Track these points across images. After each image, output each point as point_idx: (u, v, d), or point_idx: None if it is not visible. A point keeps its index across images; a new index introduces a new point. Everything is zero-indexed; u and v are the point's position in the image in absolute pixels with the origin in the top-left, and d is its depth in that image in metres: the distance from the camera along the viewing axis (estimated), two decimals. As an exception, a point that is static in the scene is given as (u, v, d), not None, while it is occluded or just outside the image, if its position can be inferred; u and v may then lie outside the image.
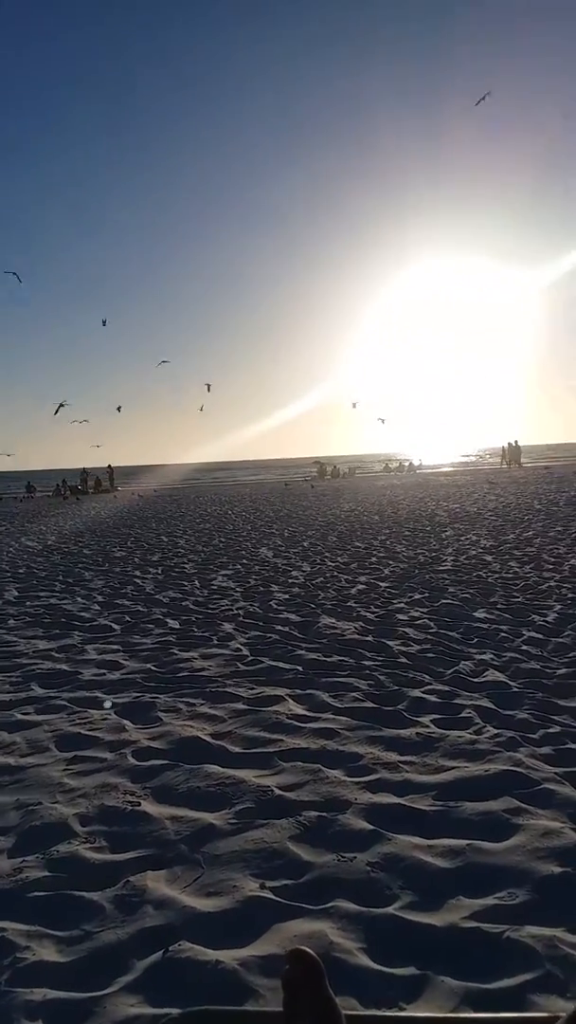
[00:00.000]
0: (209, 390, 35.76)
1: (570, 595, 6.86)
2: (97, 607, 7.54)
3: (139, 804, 3.09)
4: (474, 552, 9.93)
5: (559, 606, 6.43)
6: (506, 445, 40.01)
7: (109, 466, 41.54)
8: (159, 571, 9.89)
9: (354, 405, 37.73)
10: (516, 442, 39.57)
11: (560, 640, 5.34)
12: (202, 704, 4.36)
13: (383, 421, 38.53)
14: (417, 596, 7.22)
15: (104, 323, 32.90)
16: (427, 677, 4.63)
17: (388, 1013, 0.74)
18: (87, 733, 3.96)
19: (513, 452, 39.29)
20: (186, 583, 8.80)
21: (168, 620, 6.73)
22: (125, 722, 4.11)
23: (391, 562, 9.51)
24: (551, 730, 3.66)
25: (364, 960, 2.09)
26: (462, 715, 3.94)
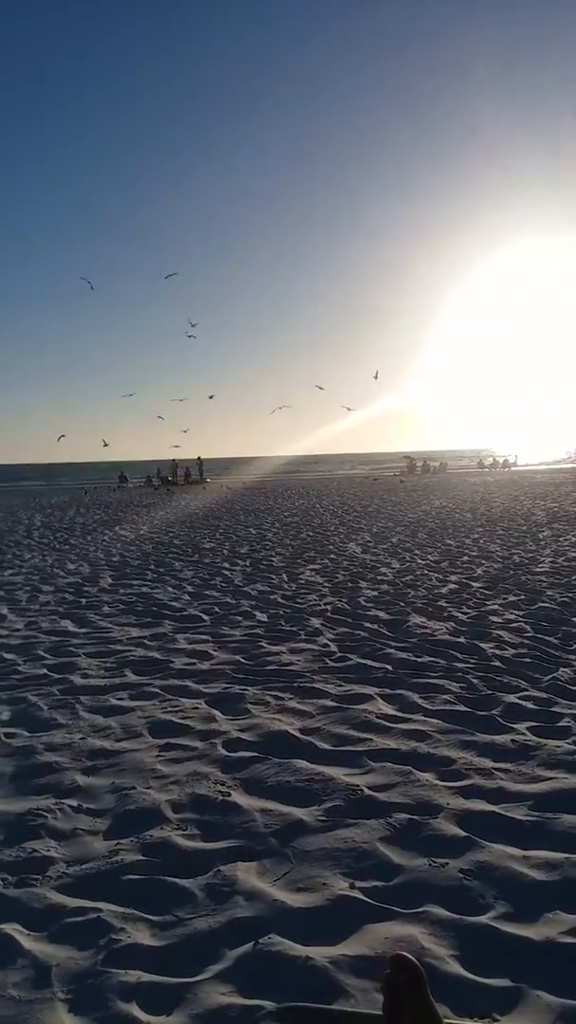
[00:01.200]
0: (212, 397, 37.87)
1: None
2: (187, 597, 7.68)
3: (229, 795, 3.12)
4: (574, 554, 9.58)
5: None
6: None
7: (199, 458, 42.24)
8: (247, 563, 9.99)
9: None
10: None
11: None
12: (290, 699, 4.38)
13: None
14: (512, 598, 7.02)
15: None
16: (523, 683, 4.49)
17: None
18: (179, 721, 4.04)
19: None
20: (274, 576, 8.85)
21: (256, 613, 6.79)
22: (215, 712, 4.17)
23: (484, 562, 9.29)
24: None
25: (456, 968, 2.05)
26: (560, 724, 3.80)
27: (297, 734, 3.79)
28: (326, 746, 3.65)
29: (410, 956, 0.87)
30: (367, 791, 3.10)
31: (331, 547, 11.37)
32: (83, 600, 7.70)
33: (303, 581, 8.48)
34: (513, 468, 43.01)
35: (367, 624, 6.18)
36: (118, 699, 4.47)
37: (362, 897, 2.38)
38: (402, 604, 6.95)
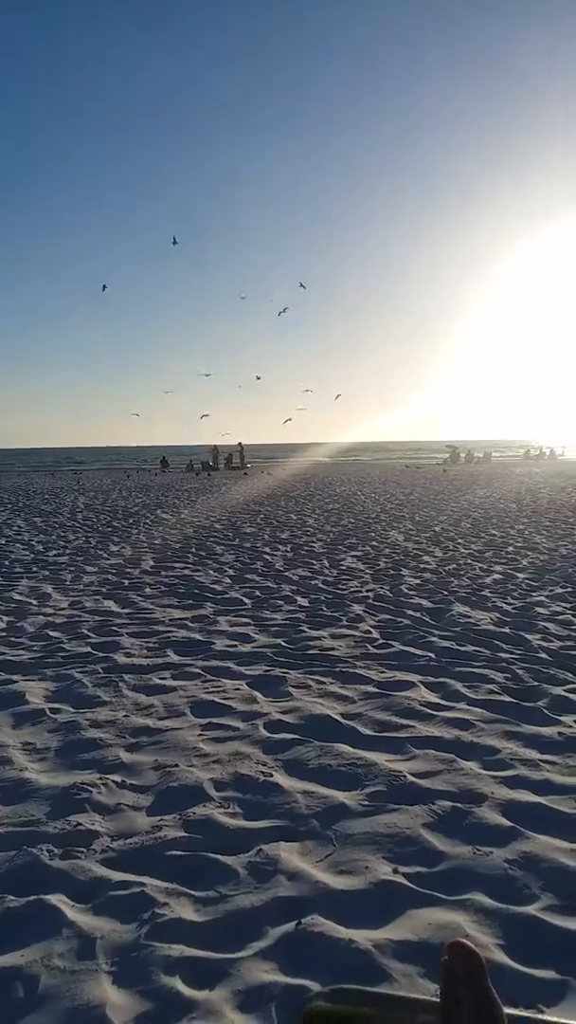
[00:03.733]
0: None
1: None
2: (228, 580, 7.70)
3: (271, 775, 3.12)
4: (619, 547, 9.36)
5: None
6: None
7: (240, 444, 42.30)
8: (288, 549, 9.98)
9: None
10: None
11: None
12: (332, 683, 4.36)
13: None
14: (559, 590, 6.89)
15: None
16: (570, 675, 4.41)
17: (552, 1019, 0.67)
18: (220, 701, 4.05)
19: None
20: (315, 562, 8.83)
21: (297, 598, 6.78)
22: (256, 694, 4.17)
23: (530, 553, 9.14)
24: None
25: (501, 957, 2.02)
26: (609, 717, 3.72)
27: (339, 718, 3.78)
28: (368, 731, 3.63)
29: (469, 943, 0.83)
30: (410, 777, 3.07)
31: (373, 534, 11.30)
32: (126, 581, 7.77)
33: (344, 567, 8.44)
34: (560, 458, 42.23)
35: (409, 612, 6.13)
36: (161, 679, 4.50)
37: (405, 882, 2.36)
38: (445, 593, 6.87)
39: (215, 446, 42.09)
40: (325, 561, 8.90)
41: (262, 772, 3.15)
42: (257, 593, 7.02)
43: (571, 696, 4.02)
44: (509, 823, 2.70)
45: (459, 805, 2.83)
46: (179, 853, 2.55)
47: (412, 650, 5.01)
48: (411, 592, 6.95)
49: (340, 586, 7.32)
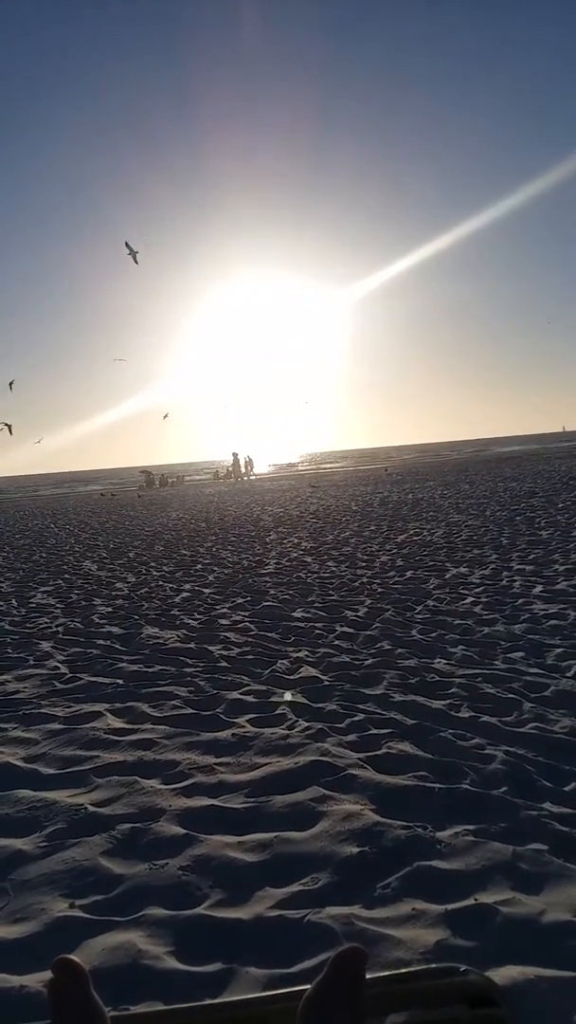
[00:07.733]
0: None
1: (379, 590, 7.30)
2: None
3: None
4: (295, 554, 10.26)
5: (369, 601, 6.83)
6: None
7: None
8: (-30, 593, 9.32)
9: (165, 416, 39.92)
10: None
11: (368, 633, 5.68)
12: (14, 728, 4.20)
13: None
14: (240, 600, 7.35)
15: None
16: (245, 678, 4.75)
17: (153, 1010, 0.80)
18: None
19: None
20: (1, 603, 8.37)
21: (-21, 644, 6.38)
22: None
23: (216, 568, 9.61)
24: (356, 718, 3.89)
25: (172, 963, 2.14)
26: (276, 712, 4.09)
27: (20, 763, 3.66)
28: (51, 770, 3.57)
29: (71, 958, 0.93)
30: (91, 808, 3.09)
31: (65, 567, 11.01)
32: None
33: (34, 604, 8.12)
34: (247, 478, 44.72)
35: (100, 641, 6.12)
36: None
37: (81, 914, 2.39)
38: (136, 617, 6.96)
39: None
40: (13, 600, 8.48)
41: None
42: None
43: (245, 698, 4.35)
44: (184, 831, 2.85)
45: (138, 825, 2.92)
46: None
47: (101, 679, 5.02)
48: (103, 621, 6.93)
49: (28, 625, 7.04)
